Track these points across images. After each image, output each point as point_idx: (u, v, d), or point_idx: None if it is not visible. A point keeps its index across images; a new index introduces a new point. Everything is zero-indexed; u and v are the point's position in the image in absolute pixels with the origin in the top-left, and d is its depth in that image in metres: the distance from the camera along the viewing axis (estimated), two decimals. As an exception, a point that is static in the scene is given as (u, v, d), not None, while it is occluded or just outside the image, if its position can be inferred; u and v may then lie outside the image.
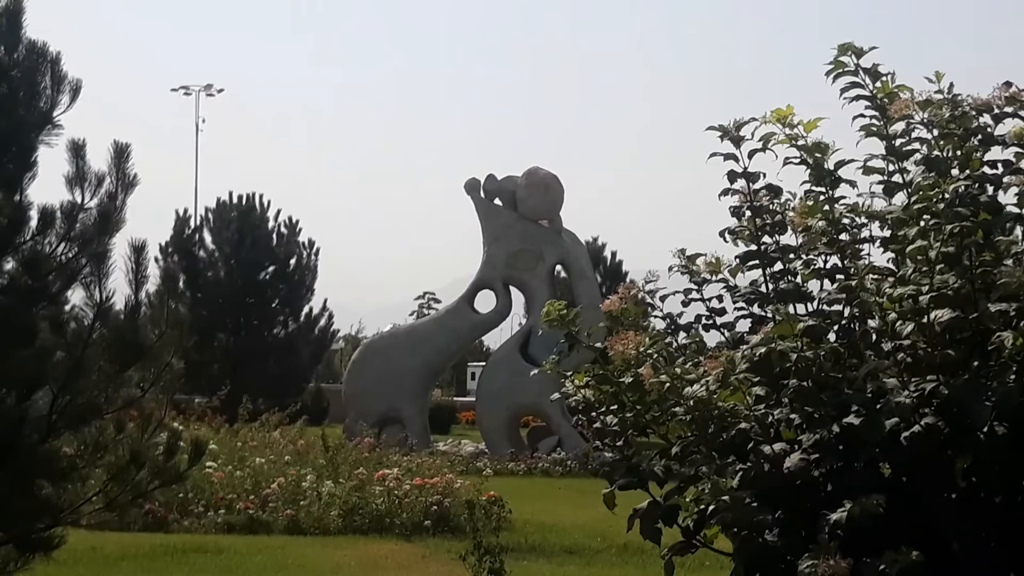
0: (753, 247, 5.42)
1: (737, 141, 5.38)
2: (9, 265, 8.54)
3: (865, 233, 5.36)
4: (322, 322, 47.63)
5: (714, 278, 5.54)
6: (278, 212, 46.68)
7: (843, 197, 5.33)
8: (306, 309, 46.80)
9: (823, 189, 5.32)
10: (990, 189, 5.04)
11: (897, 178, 5.25)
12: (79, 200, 8.78)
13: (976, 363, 4.71)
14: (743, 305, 5.53)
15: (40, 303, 8.63)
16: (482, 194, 32.01)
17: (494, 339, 34.38)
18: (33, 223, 8.59)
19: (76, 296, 8.88)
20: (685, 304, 5.64)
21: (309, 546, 15.85)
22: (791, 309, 5.29)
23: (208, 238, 45.97)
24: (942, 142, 5.15)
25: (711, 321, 5.74)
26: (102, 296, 8.92)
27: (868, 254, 5.36)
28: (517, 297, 32.53)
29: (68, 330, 8.84)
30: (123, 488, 9.36)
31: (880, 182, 5.32)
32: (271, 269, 45.87)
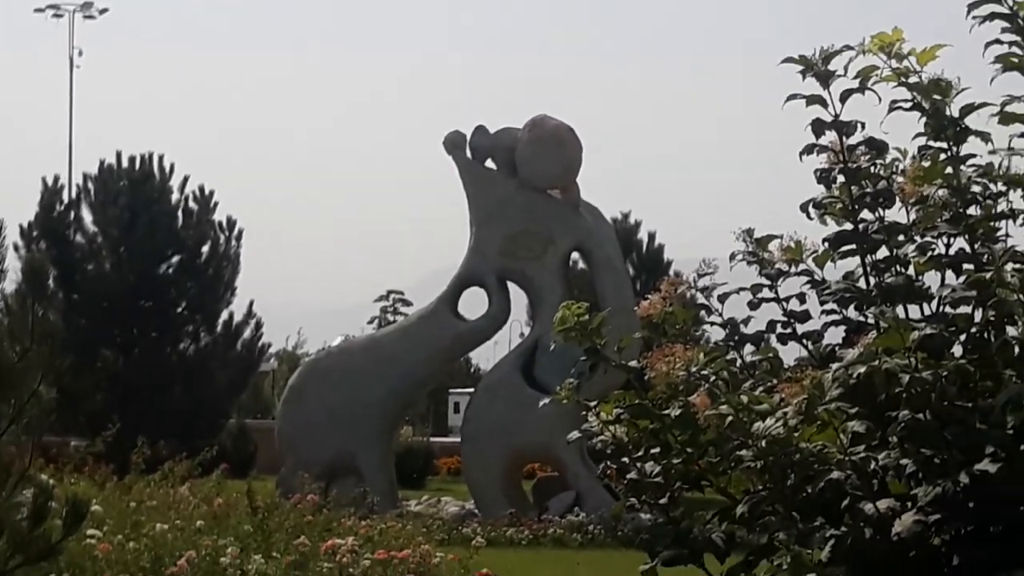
0: (848, 226, 5.41)
1: (825, 78, 5.37)
2: None
3: (1004, 206, 5.35)
4: (247, 333, 47.65)
5: (794, 269, 5.54)
6: (185, 180, 46.57)
7: (973, 156, 5.33)
8: (224, 315, 46.90)
9: (945, 145, 5.31)
10: None
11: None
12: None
13: None
14: (834, 307, 5.53)
15: None
16: (468, 153, 31.58)
17: (486, 356, 34.39)
18: None
19: None
20: (754, 306, 5.64)
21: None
22: (901, 312, 5.29)
23: (88, 217, 45.98)
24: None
25: (789, 330, 5.73)
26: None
27: (1008, 235, 5.35)
28: (518, 297, 32.53)
29: None
30: (-26, 567, 9.39)
31: (1021, 134, 5.32)
32: (175, 260, 45.88)
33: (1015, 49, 5.24)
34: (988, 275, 5.15)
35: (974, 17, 5.29)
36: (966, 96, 5.32)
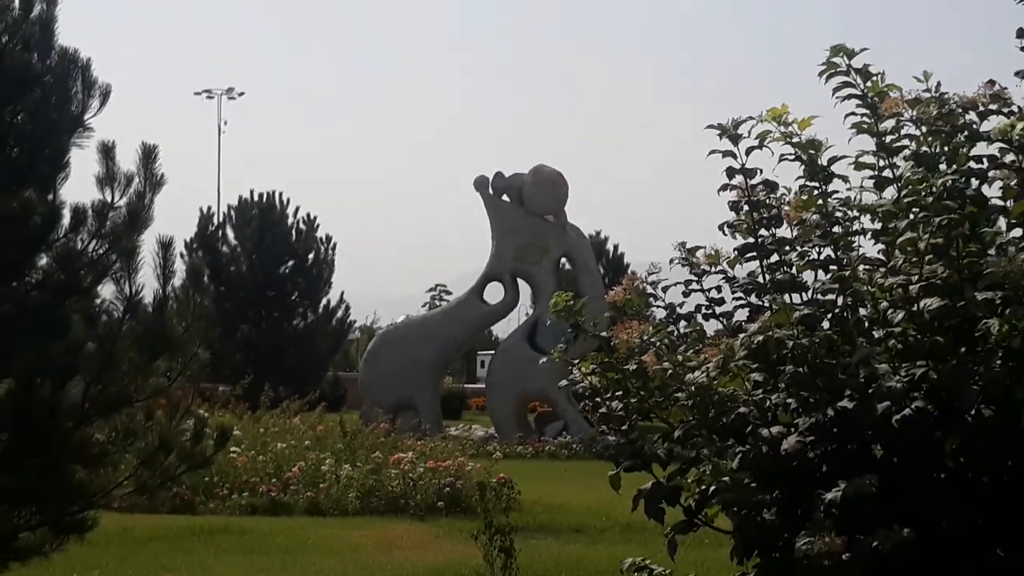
0: (750, 240, 5.46)
1: (735, 139, 5.41)
2: (43, 261, 8.59)
3: (857, 226, 5.39)
4: (339, 314, 47.66)
5: (713, 270, 5.57)
6: (296, 209, 46.68)
7: (836, 192, 5.36)
8: (324, 301, 46.86)
9: (817, 184, 5.35)
10: (975, 183, 5.07)
11: (887, 173, 5.28)
12: (109, 199, 8.83)
13: (963, 349, 4.75)
14: (741, 295, 5.56)
15: (72, 297, 8.68)
16: (490, 191, 32.00)
17: (503, 329, 34.45)
18: (66, 221, 8.64)
19: (107, 291, 8.93)
20: (686, 295, 5.67)
21: (328, 527, 15.89)
22: (787, 299, 5.33)
23: (231, 235, 46.05)
24: (930, 138, 5.19)
25: (710, 311, 5.77)
26: (132, 290, 8.98)
27: (860, 246, 5.39)
28: (524, 289, 32.51)
29: (99, 323, 8.90)
30: (152, 473, 9.41)
31: (871, 177, 5.35)
32: (290, 264, 45.88)
33: (864, 118, 5.29)
34: (847, 273, 5.21)
35: (837, 96, 5.34)
36: (832, 151, 5.36)
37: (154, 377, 9.14)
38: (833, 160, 5.35)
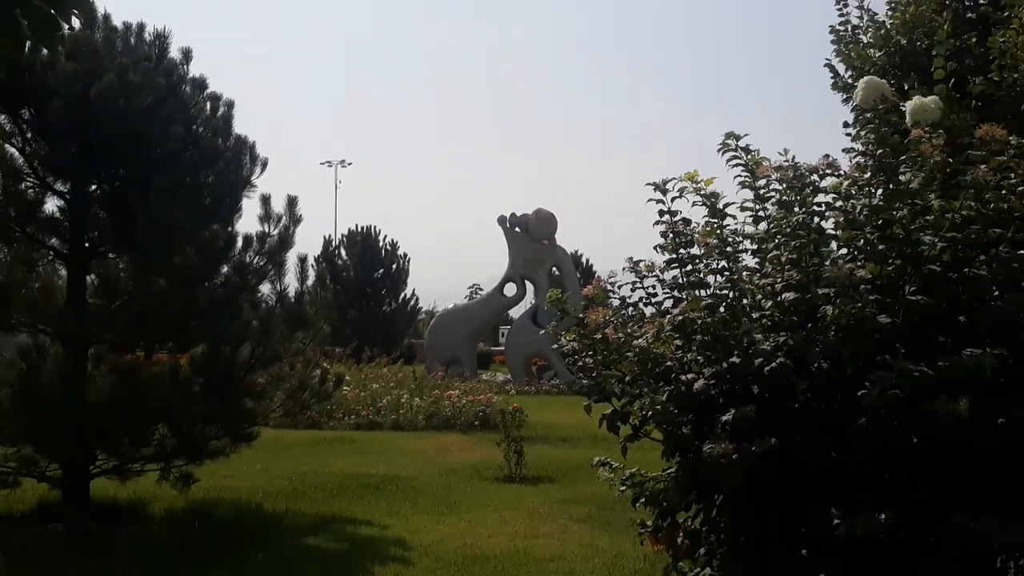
0: (674, 256, 5.37)
1: (664, 191, 5.33)
2: (225, 270, 8.58)
3: (742, 247, 5.30)
4: (412, 303, 47.50)
5: (650, 275, 5.49)
6: (386, 237, 46.53)
7: (728, 224, 5.28)
8: (402, 295, 46.67)
9: (716, 220, 5.27)
10: (817, 220, 5.00)
11: (761, 213, 5.19)
12: (266, 230, 8.82)
13: (810, 325, 4.68)
14: (668, 291, 5.48)
15: (243, 293, 8.66)
16: (508, 225, 31.99)
17: (515, 312, 34.23)
18: (239, 244, 8.63)
19: (265, 288, 8.94)
20: (632, 290, 5.58)
21: (405, 438, 15.89)
22: (697, 293, 5.25)
23: (343, 252, 45.88)
24: (788, 191, 5.11)
25: (648, 301, 5.69)
26: (281, 288, 8.98)
27: (744, 260, 5.30)
28: (529, 287, 32.42)
29: (260, 309, 8.89)
30: (294, 403, 9.40)
31: (750, 215, 5.26)
32: (380, 271, 45.74)
33: (746, 178, 5.20)
34: (735, 277, 5.13)
35: (729, 164, 5.25)
36: (727, 198, 5.27)
37: (295, 343, 9.15)
38: (726, 205, 5.26)
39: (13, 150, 8.06)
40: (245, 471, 11.06)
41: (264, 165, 8.98)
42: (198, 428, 8.44)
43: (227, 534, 8.25)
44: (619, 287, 5.59)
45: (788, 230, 4.97)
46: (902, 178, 4.89)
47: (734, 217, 5.29)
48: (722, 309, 5.07)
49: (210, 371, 8.23)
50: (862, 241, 4.80)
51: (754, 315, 4.97)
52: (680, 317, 5.00)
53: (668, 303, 5.38)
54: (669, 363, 5.01)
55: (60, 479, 8.35)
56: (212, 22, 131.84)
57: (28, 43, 2.42)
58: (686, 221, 5.38)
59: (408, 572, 7.02)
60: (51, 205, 8.26)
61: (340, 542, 8.08)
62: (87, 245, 8.38)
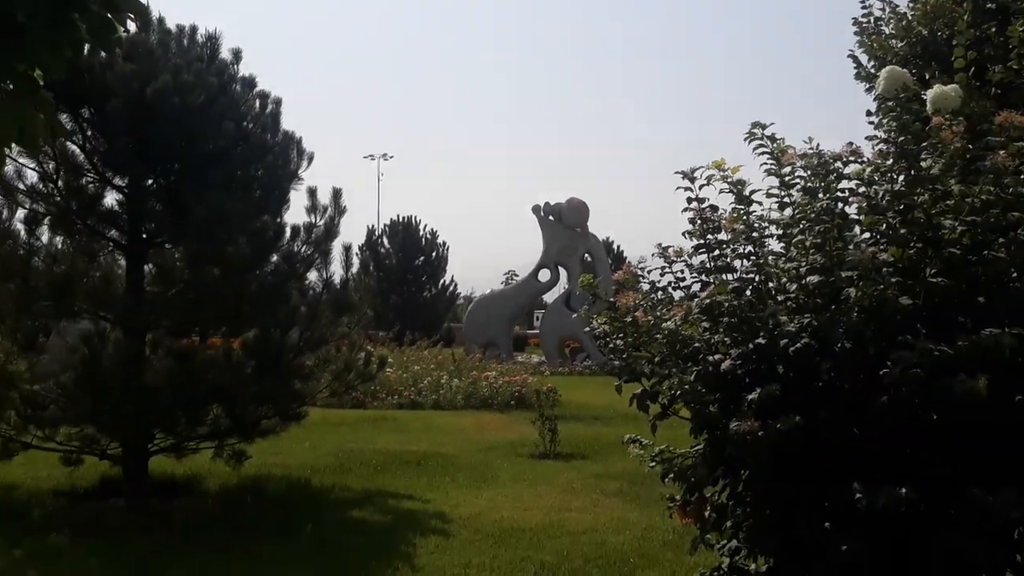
0: (702, 241, 5.33)
1: (692, 179, 5.29)
2: (274, 258, 8.63)
3: (767, 232, 5.25)
4: (451, 289, 47.59)
5: (679, 259, 5.45)
6: (426, 227, 46.58)
7: (754, 211, 5.24)
8: (441, 281, 46.74)
9: (742, 207, 5.22)
10: (841, 206, 4.95)
11: (786, 199, 5.15)
12: (313, 221, 8.85)
13: (833, 307, 4.64)
14: (696, 275, 5.44)
15: (292, 280, 8.71)
16: (542, 214, 31.94)
17: (549, 297, 34.23)
18: (287, 234, 8.67)
19: (312, 275, 8.98)
20: (662, 275, 5.55)
21: (445, 416, 15.95)
22: (724, 277, 5.22)
23: (386, 241, 45.99)
24: (812, 178, 5.06)
25: (677, 285, 5.65)
26: (327, 275, 9.02)
27: (769, 244, 5.25)
28: (563, 273, 32.35)
29: (308, 295, 8.94)
30: (340, 383, 9.46)
31: (776, 202, 5.21)
32: (421, 259, 45.83)
33: (772, 165, 5.15)
34: (761, 262, 5.09)
35: (755, 152, 5.20)
36: (752, 185, 5.22)
37: (340, 327, 9.18)
38: (753, 192, 5.21)
39: (74, 147, 8.16)
40: (294, 448, 11.16)
41: (310, 159, 9.02)
42: (250, 408, 8.51)
43: (277, 508, 8.33)
44: (648, 272, 5.56)
45: (812, 215, 4.91)
46: (923, 164, 4.84)
47: (760, 203, 5.24)
48: (748, 292, 5.03)
49: (261, 354, 8.29)
50: (884, 225, 4.74)
51: (779, 298, 4.92)
52: (708, 300, 4.96)
53: (696, 287, 5.35)
54: (697, 344, 4.98)
55: (120, 457, 8.47)
56: (267, 27, 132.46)
57: (87, 46, 2.45)
58: (713, 208, 5.33)
59: (448, 543, 7.06)
60: (110, 199, 8.36)
61: (384, 515, 8.13)
62: (144, 236, 8.47)
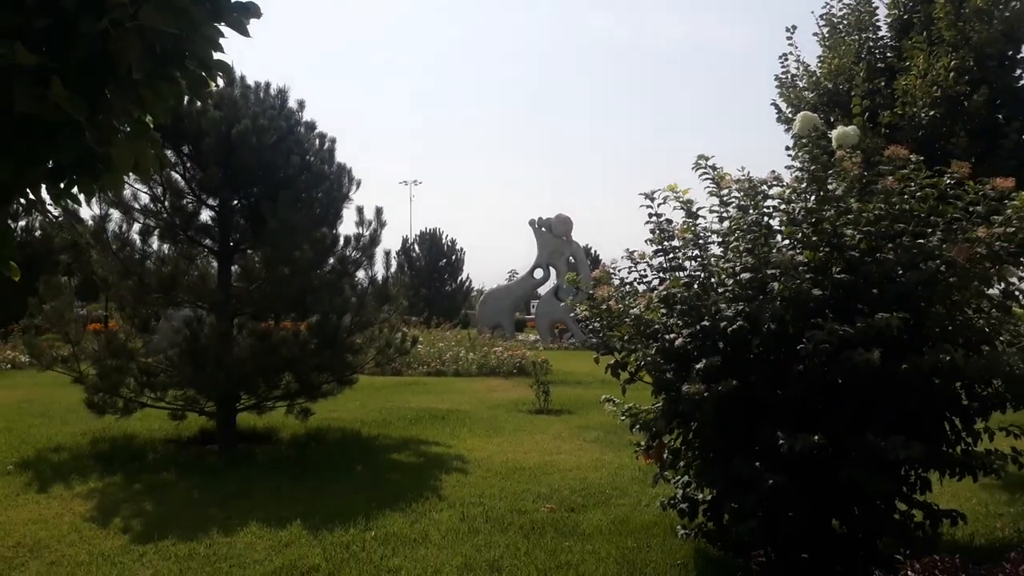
0: (660, 247, 5.32)
1: (652, 199, 5.27)
2: (331, 261, 8.61)
3: (711, 239, 5.23)
4: (467, 283, 47.43)
5: (642, 261, 5.43)
6: (447, 236, 46.40)
7: (699, 223, 5.22)
8: (459, 278, 46.57)
9: (691, 220, 5.21)
10: (767, 219, 4.93)
11: (724, 214, 5.13)
12: (361, 232, 8.82)
13: (761, 297, 4.63)
14: (656, 273, 5.42)
15: (344, 277, 8.69)
16: (536, 226, 31.85)
17: (543, 290, 34.11)
18: (341, 243, 8.65)
19: (360, 274, 8.96)
20: (629, 273, 5.54)
21: (462, 381, 15.92)
22: (677, 274, 5.20)
23: (416, 248, 45.88)
24: (745, 198, 5.04)
25: (641, 281, 5.64)
26: (371, 274, 8.99)
27: (712, 249, 5.23)
28: (552, 272, 32.26)
29: (357, 289, 8.91)
30: (382, 357, 9.43)
31: (717, 216, 5.18)
32: (444, 261, 45.71)
33: (713, 187, 5.13)
34: (705, 263, 5.07)
35: (701, 177, 5.18)
36: (699, 203, 5.20)
37: (382, 313, 9.15)
38: (699, 208, 5.20)
39: (177, 175, 8.18)
40: (348, 406, 11.15)
41: (358, 184, 8.99)
42: (313, 375, 8.51)
43: (335, 452, 8.33)
44: (619, 271, 5.55)
45: (745, 227, 4.91)
46: (830, 187, 4.84)
47: (704, 217, 5.24)
48: (696, 286, 5.02)
49: (322, 334, 8.29)
50: (800, 234, 4.74)
51: (720, 290, 4.91)
52: (664, 292, 4.96)
53: (655, 282, 5.34)
54: (656, 326, 4.97)
55: (215, 413, 8.48)
56: (330, 76, 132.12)
57: (186, 97, 2.45)
58: (669, 221, 5.33)
59: (466, 479, 7.06)
60: (205, 215, 8.36)
61: (417, 457, 8.13)
62: (231, 244, 8.47)
